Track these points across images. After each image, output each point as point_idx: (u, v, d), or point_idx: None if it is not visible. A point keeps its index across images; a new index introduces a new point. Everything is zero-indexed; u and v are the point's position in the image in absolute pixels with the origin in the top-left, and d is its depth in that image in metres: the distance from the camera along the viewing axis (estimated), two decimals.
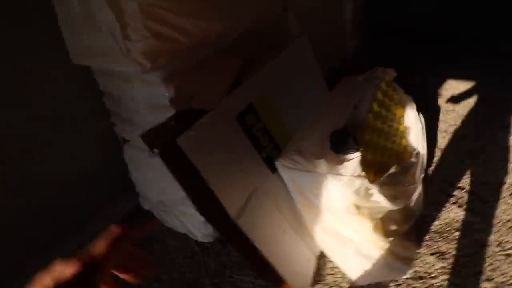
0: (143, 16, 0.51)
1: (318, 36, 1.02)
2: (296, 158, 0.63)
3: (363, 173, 0.63)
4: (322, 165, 0.62)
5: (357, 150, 0.65)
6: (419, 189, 0.85)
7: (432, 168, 1.14)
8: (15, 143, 0.78)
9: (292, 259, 0.72)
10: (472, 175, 1.09)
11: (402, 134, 0.94)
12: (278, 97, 0.76)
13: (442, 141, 1.25)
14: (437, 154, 1.19)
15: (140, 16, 0.51)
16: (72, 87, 0.85)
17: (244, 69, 0.72)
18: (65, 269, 0.27)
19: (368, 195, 0.65)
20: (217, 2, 0.64)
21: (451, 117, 1.34)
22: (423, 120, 1.00)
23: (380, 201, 0.66)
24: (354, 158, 0.65)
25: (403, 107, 0.99)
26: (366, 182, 0.62)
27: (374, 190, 0.64)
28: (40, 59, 0.76)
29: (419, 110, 1.01)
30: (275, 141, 0.73)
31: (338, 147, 0.64)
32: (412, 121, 0.98)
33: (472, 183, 1.06)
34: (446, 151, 1.20)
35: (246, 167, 0.65)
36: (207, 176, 0.57)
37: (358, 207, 0.68)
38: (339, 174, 0.62)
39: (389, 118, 0.90)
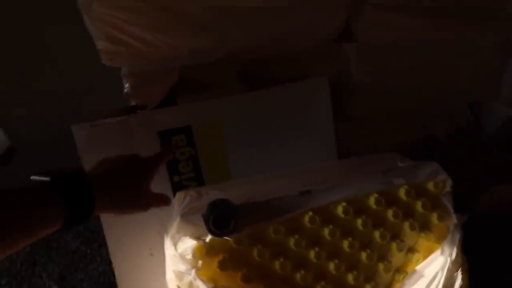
0: (100, 21, 0.59)
1: None
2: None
3: (200, 262, 0.47)
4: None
5: (220, 235, 0.48)
6: None
7: None
8: None
9: None
10: None
11: (389, 273, 0.58)
12: (241, 134, 0.66)
13: None
14: None
15: (97, 21, 0.59)
16: None
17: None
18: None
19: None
20: (194, 19, 0.62)
21: None
22: (459, 278, 0.57)
23: None
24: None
25: (432, 235, 0.59)
26: (193, 273, 0.45)
27: None
28: None
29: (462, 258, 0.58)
30: (200, 173, 0.65)
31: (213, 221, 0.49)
32: (428, 268, 0.58)
33: None
34: None
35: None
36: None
37: None
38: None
39: (384, 233, 0.57)
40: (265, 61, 0.75)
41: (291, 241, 0.53)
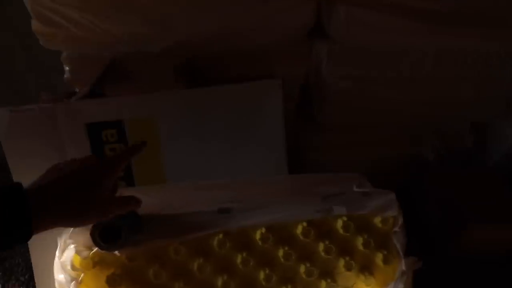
0: (35, 3, 0.54)
1: None
2: None
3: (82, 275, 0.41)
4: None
5: (106, 249, 0.42)
6: None
7: None
8: None
9: None
10: None
11: None
12: (178, 134, 0.59)
13: None
14: None
15: (32, 2, 0.54)
16: None
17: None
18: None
19: None
20: (134, 5, 0.55)
21: None
22: None
23: None
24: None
25: (373, 279, 0.50)
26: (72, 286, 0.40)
27: None
28: None
29: None
30: (131, 173, 0.59)
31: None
32: None
33: None
34: None
35: None
36: (11, 164, 0.56)
37: None
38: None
39: (311, 270, 0.48)
40: (221, 58, 0.67)
41: (195, 265, 0.47)
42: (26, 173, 0.55)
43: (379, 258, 0.51)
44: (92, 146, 0.59)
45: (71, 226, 0.40)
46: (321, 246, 0.49)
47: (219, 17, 0.59)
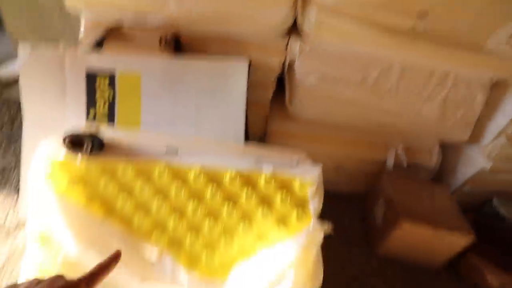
0: None
1: None
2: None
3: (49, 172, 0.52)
4: None
5: (70, 152, 0.53)
6: None
7: None
8: None
9: None
10: None
11: (230, 249, 0.57)
12: (156, 91, 0.71)
13: None
14: None
15: None
16: None
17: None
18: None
19: None
20: None
21: None
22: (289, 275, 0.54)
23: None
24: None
25: (286, 231, 0.57)
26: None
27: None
28: None
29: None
30: (113, 114, 0.71)
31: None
32: (269, 258, 0.56)
33: None
34: None
35: (64, 116, 0.71)
36: (24, 97, 0.70)
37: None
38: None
39: (231, 211, 0.57)
40: (203, 38, 0.79)
41: (137, 185, 0.57)
42: (35, 102, 0.70)
43: (293, 214, 0.58)
44: (87, 88, 0.72)
45: None
46: (243, 194, 0.58)
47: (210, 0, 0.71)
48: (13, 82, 1.35)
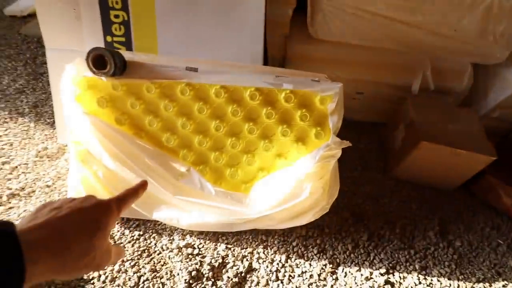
0: None
1: None
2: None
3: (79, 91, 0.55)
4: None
5: (95, 73, 0.55)
6: None
7: None
8: None
9: None
10: None
11: (251, 167, 0.62)
12: (172, 11, 0.68)
13: None
14: None
15: None
16: None
17: None
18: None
19: None
20: None
21: None
22: (307, 189, 0.58)
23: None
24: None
25: (305, 149, 0.60)
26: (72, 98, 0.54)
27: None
28: None
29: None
30: (130, 39, 0.71)
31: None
32: (288, 174, 0.60)
33: None
34: None
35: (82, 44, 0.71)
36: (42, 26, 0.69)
37: None
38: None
39: (252, 128, 0.59)
40: None
41: (162, 104, 0.59)
42: (53, 30, 0.70)
43: (312, 132, 0.60)
44: (101, 14, 0.71)
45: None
46: (264, 111, 0.59)
47: None
48: (28, 17, 1.34)
